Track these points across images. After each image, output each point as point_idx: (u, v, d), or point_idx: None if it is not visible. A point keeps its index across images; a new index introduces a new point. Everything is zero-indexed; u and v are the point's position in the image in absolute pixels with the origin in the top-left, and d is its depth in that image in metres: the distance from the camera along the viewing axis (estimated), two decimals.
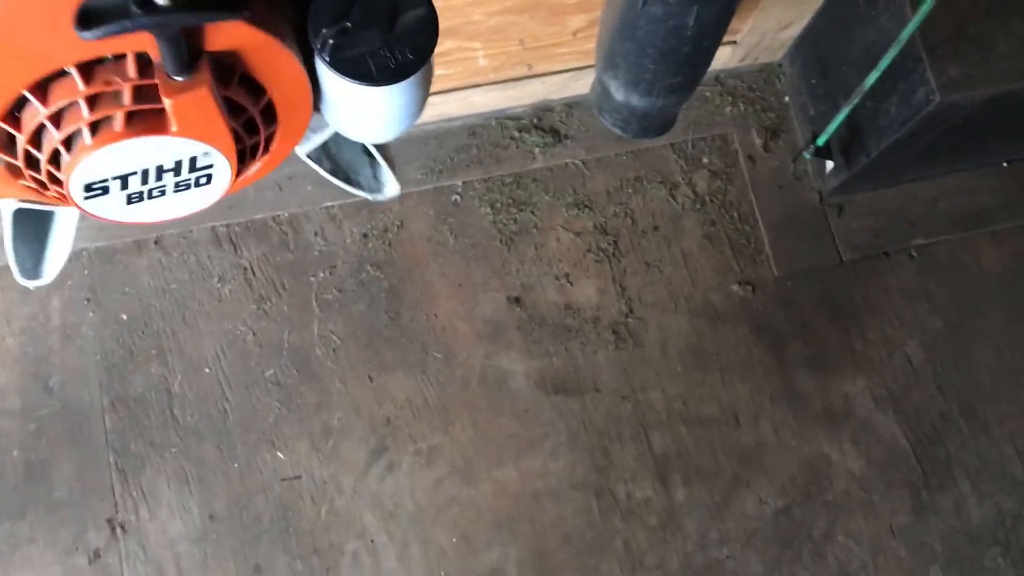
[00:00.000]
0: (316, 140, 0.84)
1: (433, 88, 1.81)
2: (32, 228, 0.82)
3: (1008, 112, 1.66)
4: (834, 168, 1.81)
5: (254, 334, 1.70)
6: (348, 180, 0.91)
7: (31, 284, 0.88)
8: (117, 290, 1.70)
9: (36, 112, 0.63)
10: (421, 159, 1.80)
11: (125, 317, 1.69)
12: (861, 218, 1.86)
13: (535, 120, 1.83)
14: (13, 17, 0.57)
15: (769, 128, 1.88)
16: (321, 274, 1.73)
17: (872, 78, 1.51)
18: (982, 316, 1.84)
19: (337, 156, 0.91)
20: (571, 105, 1.84)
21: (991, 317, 1.84)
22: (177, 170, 0.66)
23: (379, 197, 0.93)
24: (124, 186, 0.66)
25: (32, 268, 0.85)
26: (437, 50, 1.70)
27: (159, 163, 0.65)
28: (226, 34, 0.61)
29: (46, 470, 1.62)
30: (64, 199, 0.68)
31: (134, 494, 1.62)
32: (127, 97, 0.62)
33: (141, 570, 1.60)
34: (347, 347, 1.70)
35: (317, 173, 0.89)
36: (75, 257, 1.69)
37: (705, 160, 1.86)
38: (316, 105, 0.71)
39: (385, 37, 0.67)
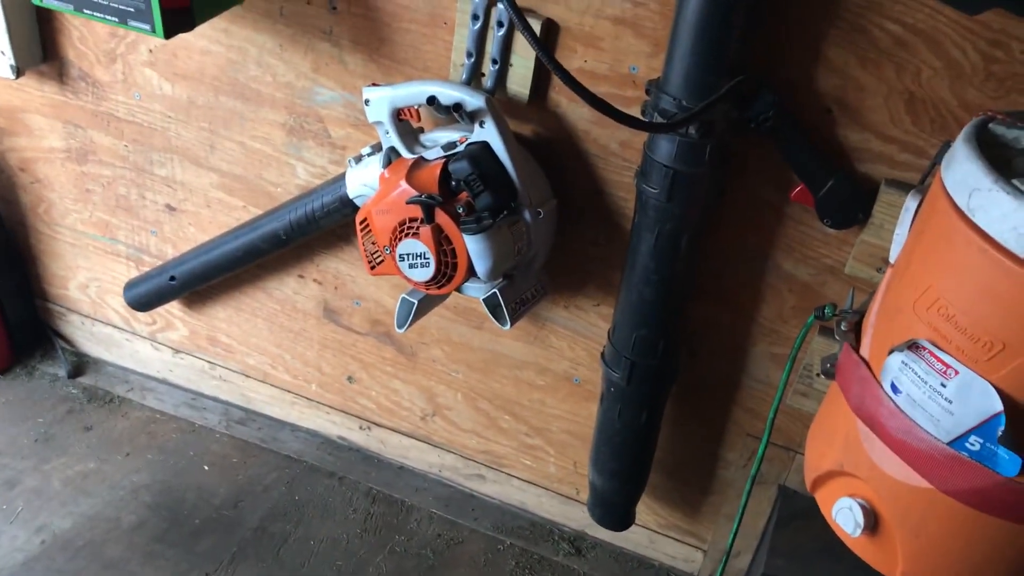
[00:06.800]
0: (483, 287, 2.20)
1: (521, 475, 3.43)
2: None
3: None
4: None
5: None
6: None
7: (400, 331, 2.27)
8: None
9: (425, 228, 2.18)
10: (495, 522, 2.91)
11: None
12: None
13: (571, 537, 2.89)
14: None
15: None
16: None
17: None
18: None
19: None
20: (597, 545, 2.89)
21: None
22: (422, 256, 2.11)
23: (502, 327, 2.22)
24: (405, 259, 2.13)
25: (401, 325, 2.28)
26: (531, 441, 3.07)
27: (416, 252, 2.11)
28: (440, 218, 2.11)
29: None
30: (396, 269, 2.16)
31: None
32: (414, 228, 2.12)
33: None
34: None
35: None
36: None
37: None
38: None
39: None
